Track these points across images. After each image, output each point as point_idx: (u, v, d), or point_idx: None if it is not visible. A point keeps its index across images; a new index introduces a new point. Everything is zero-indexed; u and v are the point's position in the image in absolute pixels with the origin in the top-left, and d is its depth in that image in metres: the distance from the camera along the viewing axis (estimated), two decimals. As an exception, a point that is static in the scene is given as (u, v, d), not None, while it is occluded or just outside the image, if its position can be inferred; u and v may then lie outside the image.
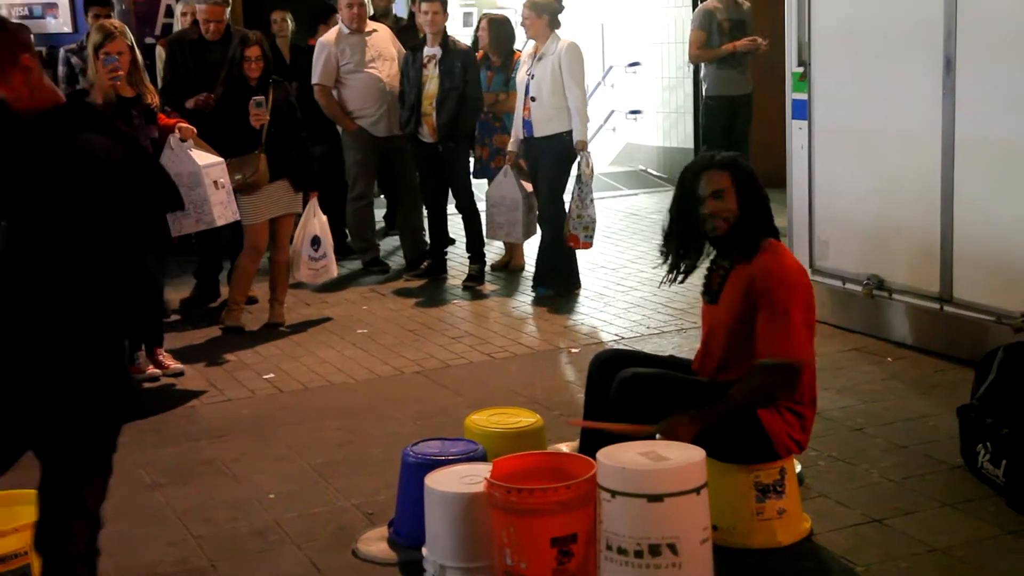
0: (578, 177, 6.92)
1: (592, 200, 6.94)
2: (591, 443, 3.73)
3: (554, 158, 7.00)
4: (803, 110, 6.21)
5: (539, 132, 7.02)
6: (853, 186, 5.97)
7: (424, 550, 3.58)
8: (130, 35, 5.67)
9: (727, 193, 3.73)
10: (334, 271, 7.00)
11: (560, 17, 7.08)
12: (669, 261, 3.94)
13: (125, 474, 4.10)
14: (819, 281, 6.12)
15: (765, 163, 8.43)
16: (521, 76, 7.14)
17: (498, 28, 7.78)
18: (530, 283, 7.37)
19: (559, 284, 7.15)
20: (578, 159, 6.91)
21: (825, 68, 6.09)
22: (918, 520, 3.85)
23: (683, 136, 10.99)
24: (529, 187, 7.20)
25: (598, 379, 3.93)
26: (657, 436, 3.57)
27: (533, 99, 7.00)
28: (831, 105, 6.08)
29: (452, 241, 8.27)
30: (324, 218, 6.81)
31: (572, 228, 6.97)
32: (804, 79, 6.18)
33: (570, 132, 6.91)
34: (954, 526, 3.81)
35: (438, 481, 3.56)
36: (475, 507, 3.44)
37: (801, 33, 6.18)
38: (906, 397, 5.09)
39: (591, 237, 6.97)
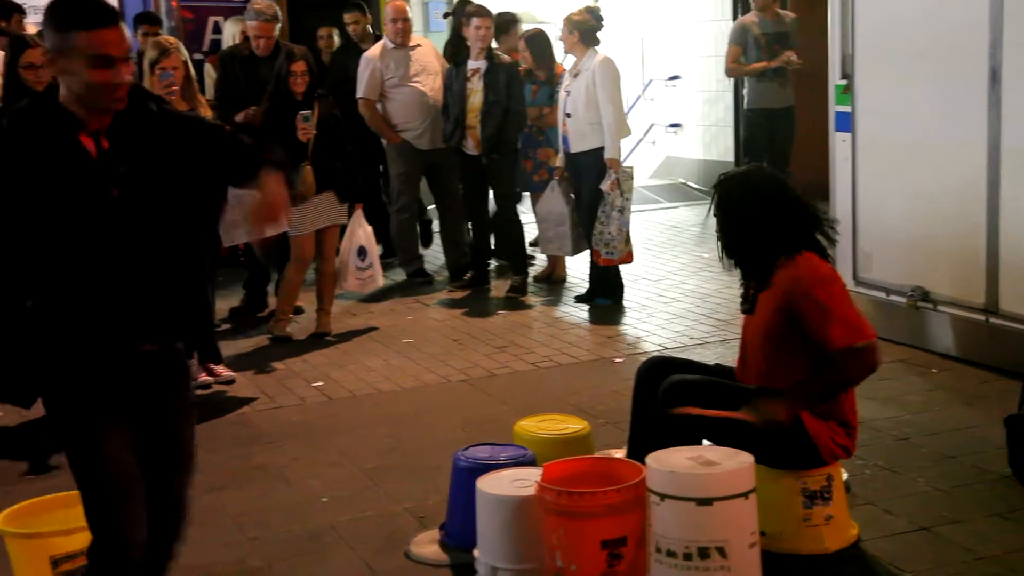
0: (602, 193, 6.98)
1: (615, 217, 6.92)
2: (640, 449, 3.78)
3: (591, 173, 7.06)
4: (847, 122, 6.24)
5: (575, 148, 7.09)
6: (897, 198, 5.99)
7: (476, 552, 3.64)
8: (184, 51, 5.80)
9: (716, 212, 3.81)
10: (380, 281, 7.11)
11: (599, 34, 7.15)
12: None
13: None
14: (863, 293, 6.15)
15: (808, 175, 8.50)
16: (562, 92, 7.22)
17: (533, 44, 7.85)
18: (573, 294, 7.44)
19: (612, 294, 7.20)
20: (606, 176, 6.94)
21: (869, 80, 6.11)
22: (966, 529, 3.87)
23: (723, 149, 11.03)
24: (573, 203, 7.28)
25: (645, 385, 3.98)
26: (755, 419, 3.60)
27: (568, 115, 7.07)
28: (875, 117, 6.10)
29: (496, 253, 8.35)
30: (370, 229, 6.92)
31: (595, 243, 7.03)
32: (848, 91, 6.21)
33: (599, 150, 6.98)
34: (1003, 535, 3.82)
35: (490, 485, 3.62)
36: (526, 510, 3.50)
37: (844, 45, 6.21)
38: (952, 408, 5.10)
39: (612, 254, 7.01)
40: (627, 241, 7.08)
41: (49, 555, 3.50)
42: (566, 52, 7.24)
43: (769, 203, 3.75)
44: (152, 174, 2.85)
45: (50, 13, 2.77)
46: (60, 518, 3.63)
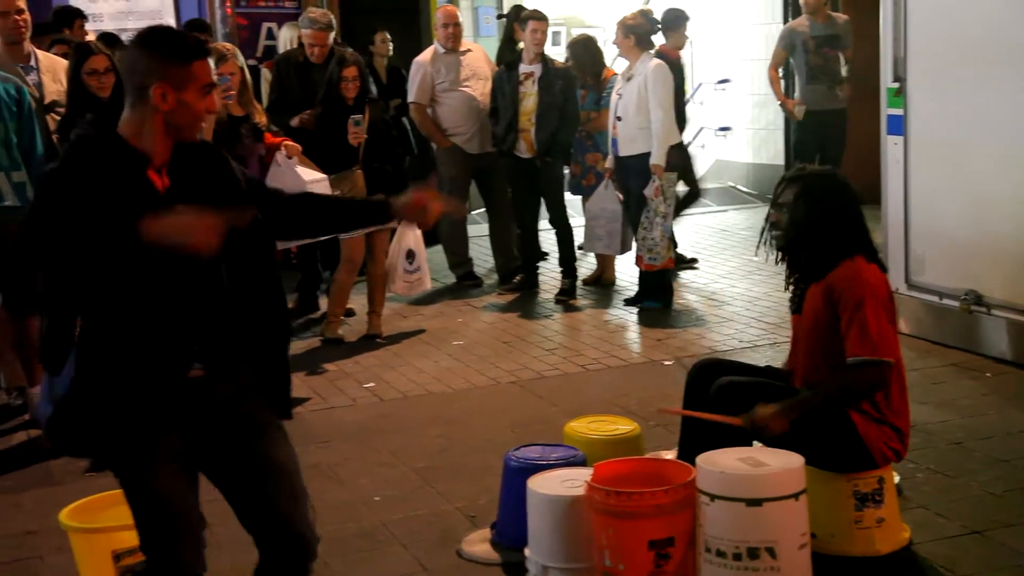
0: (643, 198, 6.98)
1: (659, 223, 6.93)
2: (690, 450, 3.80)
3: (640, 178, 7.07)
4: (899, 125, 6.21)
5: (624, 151, 7.12)
6: (949, 201, 5.95)
7: (526, 551, 3.68)
8: (241, 57, 5.92)
9: (788, 205, 3.81)
10: (428, 284, 7.18)
11: (653, 38, 7.18)
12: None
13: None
14: (915, 297, 6.12)
15: (859, 179, 8.45)
16: (614, 96, 7.25)
17: (579, 49, 7.89)
18: (622, 297, 7.47)
19: (661, 298, 7.21)
20: (650, 182, 6.94)
21: (921, 83, 6.08)
22: (1019, 532, 3.84)
23: (773, 152, 10.98)
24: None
25: (695, 386, 4.00)
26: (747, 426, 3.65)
27: (619, 119, 7.10)
28: (927, 120, 6.07)
29: (545, 256, 8.39)
30: (419, 232, 6.98)
31: (638, 248, 7.05)
32: (900, 94, 6.18)
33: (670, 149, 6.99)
34: (1056, 539, 3.80)
35: (540, 484, 3.66)
36: (576, 510, 3.53)
37: (897, 49, 6.18)
38: (1006, 411, 5.06)
39: (655, 259, 7.00)
40: (669, 247, 7.09)
41: (111, 549, 3.58)
42: (620, 55, 7.26)
43: (849, 203, 3.86)
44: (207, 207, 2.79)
45: (165, 48, 2.71)
46: (122, 513, 3.67)
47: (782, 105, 8.95)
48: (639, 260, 7.11)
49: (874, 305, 3.68)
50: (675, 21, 8.15)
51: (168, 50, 2.71)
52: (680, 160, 7.22)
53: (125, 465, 2.79)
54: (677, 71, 7.59)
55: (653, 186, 6.93)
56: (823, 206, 3.81)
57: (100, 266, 2.68)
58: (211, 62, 2.78)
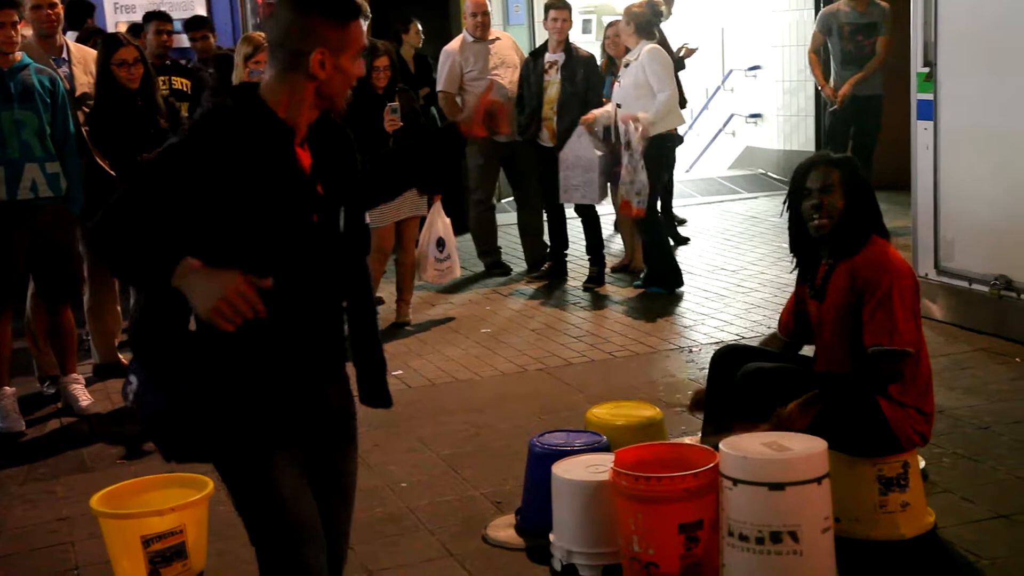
0: (627, 143, 6.89)
1: (643, 167, 6.88)
2: (713, 436, 3.81)
3: (648, 161, 7.02)
4: (929, 110, 6.17)
5: (623, 138, 7.06)
6: (979, 186, 5.91)
7: (551, 536, 3.71)
8: (273, 47, 5.92)
9: (835, 189, 3.79)
10: (458, 272, 7.23)
11: (655, 28, 7.16)
12: (797, 258, 4.00)
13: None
14: (945, 282, 6.08)
15: (888, 164, 8.40)
16: (614, 84, 7.24)
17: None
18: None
19: (667, 282, 7.23)
20: (628, 127, 6.86)
21: (951, 68, 6.03)
22: (1046, 517, 3.83)
23: (804, 139, 10.92)
24: (602, 150, 7.21)
25: (719, 371, 4.00)
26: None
27: (619, 106, 7.07)
28: (957, 105, 6.02)
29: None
30: (448, 220, 7.03)
31: (625, 193, 6.97)
32: (930, 79, 6.13)
33: (658, 136, 6.96)
34: (1085, 523, 3.78)
35: (565, 470, 3.68)
36: (600, 495, 3.55)
37: (927, 33, 6.14)
38: (1035, 397, 5.03)
39: (643, 203, 6.94)
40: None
41: (140, 535, 3.64)
42: (621, 43, 7.24)
43: (871, 186, 3.95)
44: (341, 194, 2.57)
45: (322, 6, 2.43)
46: (152, 500, 3.79)
47: (823, 89, 8.80)
48: (625, 206, 7.00)
49: (901, 292, 3.67)
50: None
51: (325, 9, 2.43)
52: (657, 151, 7.06)
53: (248, 473, 2.52)
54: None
55: (636, 133, 6.85)
56: (865, 187, 3.86)
57: (233, 254, 2.37)
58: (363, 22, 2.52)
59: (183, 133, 2.48)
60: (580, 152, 7.28)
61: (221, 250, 2.37)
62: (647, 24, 7.10)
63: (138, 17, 8.91)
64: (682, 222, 9.28)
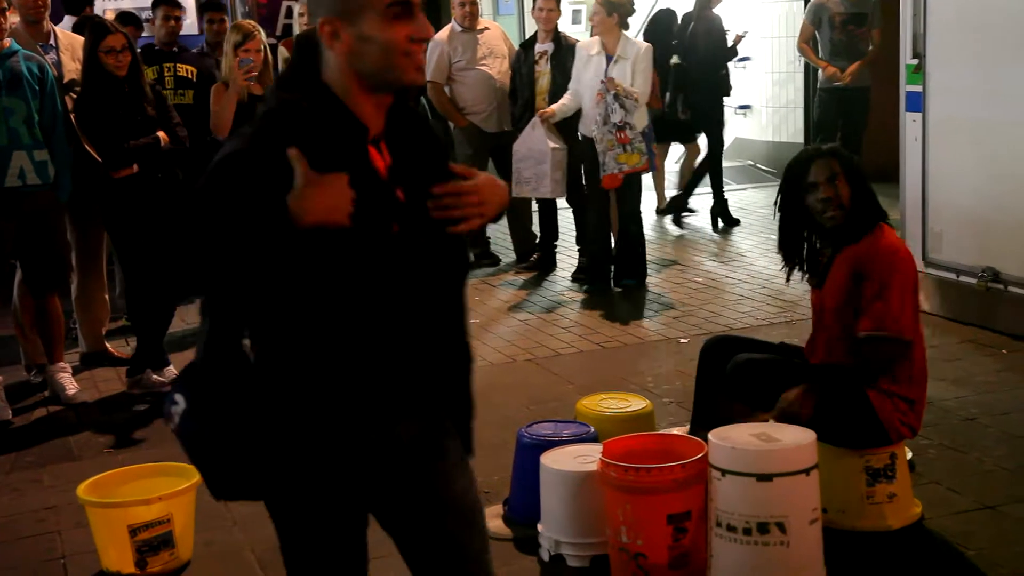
0: (615, 95, 6.77)
1: (633, 105, 6.79)
2: (702, 426, 3.82)
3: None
4: (917, 102, 6.17)
5: (591, 131, 6.99)
6: (968, 178, 5.92)
7: (539, 526, 3.71)
8: (263, 35, 5.90)
9: (840, 178, 3.78)
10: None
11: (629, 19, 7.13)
12: (784, 257, 3.99)
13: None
14: (933, 274, 6.10)
15: (876, 156, 8.40)
16: (588, 75, 7.01)
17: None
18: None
19: (637, 273, 7.22)
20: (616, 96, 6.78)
21: (940, 60, 6.04)
22: (1032, 508, 3.85)
23: (793, 131, 10.93)
24: (557, 143, 7.18)
25: (708, 362, 4.01)
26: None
27: (603, 82, 6.92)
28: (946, 97, 6.03)
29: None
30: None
31: (635, 148, 6.81)
32: (919, 71, 6.14)
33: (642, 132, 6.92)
34: (1070, 515, 3.80)
35: (553, 460, 3.69)
36: (589, 485, 3.56)
37: (916, 25, 6.14)
38: (1021, 388, 5.04)
39: (641, 160, 6.89)
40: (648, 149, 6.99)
41: (127, 524, 3.64)
42: (595, 33, 7.15)
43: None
44: (424, 200, 2.11)
45: None
46: (139, 489, 3.78)
47: (824, 69, 8.60)
48: (614, 179, 6.86)
49: (902, 282, 3.68)
50: None
51: None
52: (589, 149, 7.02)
53: (298, 524, 2.21)
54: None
55: (612, 90, 6.76)
56: (861, 173, 3.86)
57: (304, 273, 2.00)
58: None
59: (241, 138, 2.05)
60: (532, 144, 7.24)
61: (290, 270, 1.99)
62: (627, 15, 7.06)
63: (127, 4, 8.87)
64: (692, 212, 9.48)
